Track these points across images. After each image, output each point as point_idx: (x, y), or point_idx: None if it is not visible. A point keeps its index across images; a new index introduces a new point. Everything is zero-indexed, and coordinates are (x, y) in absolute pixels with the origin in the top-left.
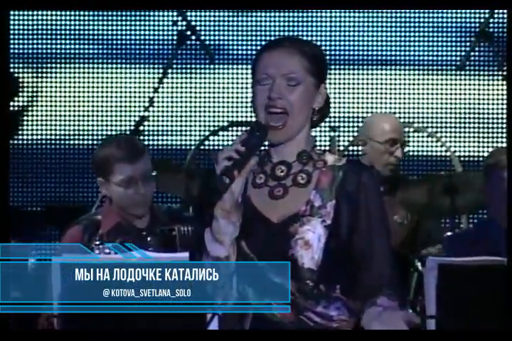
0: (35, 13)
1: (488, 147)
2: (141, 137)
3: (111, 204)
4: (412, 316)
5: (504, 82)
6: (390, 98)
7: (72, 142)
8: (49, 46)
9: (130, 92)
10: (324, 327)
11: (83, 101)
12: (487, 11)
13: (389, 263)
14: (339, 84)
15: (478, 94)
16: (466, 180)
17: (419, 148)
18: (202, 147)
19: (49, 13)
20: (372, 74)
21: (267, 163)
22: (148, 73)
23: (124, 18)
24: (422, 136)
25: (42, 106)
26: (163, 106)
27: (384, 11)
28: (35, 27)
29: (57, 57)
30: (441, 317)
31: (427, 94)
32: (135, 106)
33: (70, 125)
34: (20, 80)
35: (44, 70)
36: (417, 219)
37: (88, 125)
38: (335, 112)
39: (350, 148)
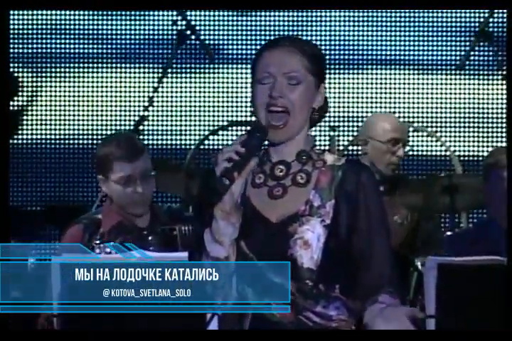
0: (34, 12)
1: (487, 147)
2: (141, 137)
3: (111, 203)
4: (415, 311)
5: (504, 82)
6: (390, 97)
7: (71, 142)
8: (48, 46)
9: (130, 92)
10: (323, 327)
11: (83, 101)
12: (487, 10)
13: (389, 263)
14: (339, 83)
15: (478, 94)
16: (465, 179)
17: (418, 147)
18: (202, 146)
19: (48, 12)
20: (371, 73)
21: (266, 163)
22: (148, 73)
23: (123, 17)
24: (422, 136)
25: (42, 106)
26: (162, 106)
27: (383, 10)
28: (35, 27)
29: (57, 57)
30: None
31: (427, 93)
32: (135, 106)
33: (69, 124)
34: (20, 80)
35: (43, 70)
36: (417, 219)
37: (88, 124)
38: (335, 112)
39: (350, 147)
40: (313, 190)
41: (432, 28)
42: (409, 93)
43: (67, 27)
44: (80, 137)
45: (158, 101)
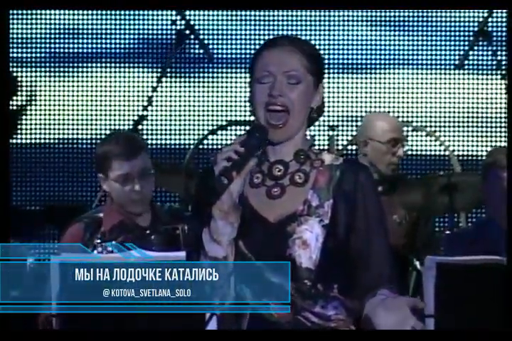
0: (34, 12)
1: (486, 146)
2: (140, 136)
3: (112, 202)
4: (416, 301)
5: (503, 81)
6: (389, 97)
7: (71, 142)
8: (48, 46)
9: (129, 92)
10: (322, 327)
11: (82, 101)
12: (486, 10)
13: (387, 263)
14: (338, 83)
15: (477, 94)
16: (464, 178)
17: (417, 147)
18: (201, 146)
19: (48, 12)
20: (370, 73)
21: (264, 163)
22: (147, 72)
23: (122, 17)
24: (421, 135)
25: (42, 106)
26: (161, 106)
27: (383, 10)
28: (34, 27)
29: (56, 57)
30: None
31: (426, 93)
32: (134, 106)
33: (69, 124)
34: (20, 80)
35: (43, 70)
36: (416, 219)
37: (87, 124)
38: (334, 111)
39: (349, 147)
40: (311, 189)
41: (431, 28)
42: (408, 92)
43: (67, 27)
44: (79, 137)
45: (157, 101)
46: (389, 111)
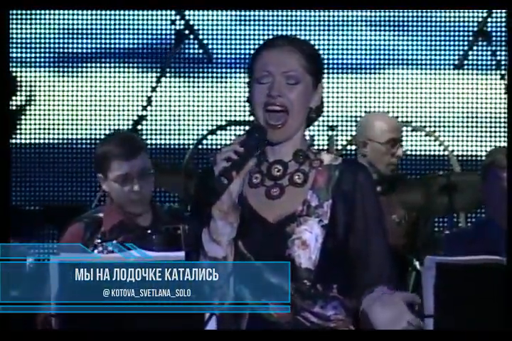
0: (34, 12)
1: (486, 146)
2: (139, 136)
3: (112, 202)
4: (413, 297)
5: (503, 81)
6: (388, 97)
7: (71, 142)
8: (47, 46)
9: (128, 92)
10: (321, 327)
11: (82, 101)
12: (485, 10)
13: (387, 263)
14: (337, 83)
15: (477, 94)
16: (464, 179)
17: (417, 147)
18: (200, 146)
19: (48, 12)
20: (369, 73)
21: (263, 163)
22: (147, 72)
23: (122, 17)
24: (420, 135)
25: (42, 106)
26: (161, 106)
27: (382, 10)
28: (34, 26)
29: (56, 57)
30: (439, 316)
31: (425, 93)
32: (133, 106)
33: (69, 124)
34: (20, 80)
35: (43, 70)
36: (416, 219)
37: (87, 124)
38: (333, 111)
39: (349, 147)
40: (310, 190)
41: (431, 28)
42: (407, 92)
43: (67, 27)
44: (79, 137)
45: (156, 101)
46: (388, 111)
